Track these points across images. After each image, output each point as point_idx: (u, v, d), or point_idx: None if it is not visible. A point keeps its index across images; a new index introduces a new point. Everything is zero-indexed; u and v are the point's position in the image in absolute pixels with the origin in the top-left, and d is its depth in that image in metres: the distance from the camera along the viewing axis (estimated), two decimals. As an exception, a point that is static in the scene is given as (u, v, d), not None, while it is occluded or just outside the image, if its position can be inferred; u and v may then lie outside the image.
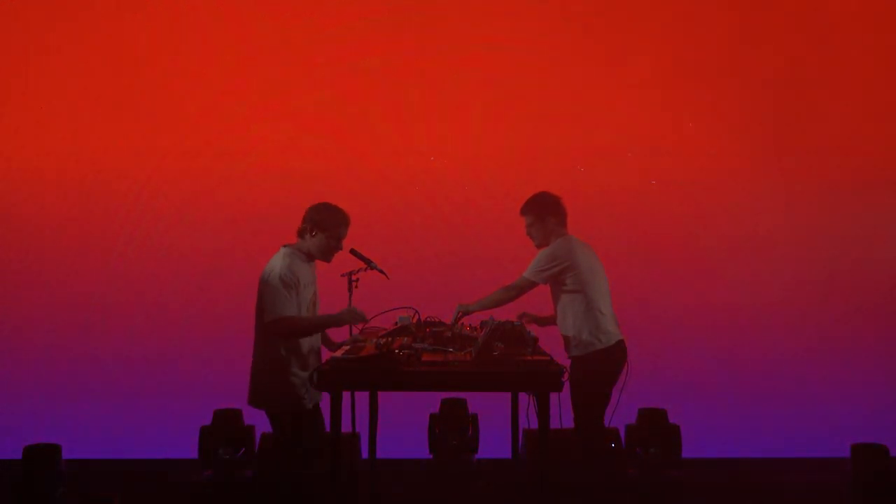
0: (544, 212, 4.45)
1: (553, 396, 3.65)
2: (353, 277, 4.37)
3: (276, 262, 3.83)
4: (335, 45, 6.05)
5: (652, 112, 6.07)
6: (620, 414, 4.54)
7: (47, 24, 6.05)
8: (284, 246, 3.96)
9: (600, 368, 4.35)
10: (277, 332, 3.76)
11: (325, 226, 3.89)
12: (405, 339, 4.08)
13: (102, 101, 6.03)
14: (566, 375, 3.67)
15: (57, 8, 6.07)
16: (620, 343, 4.41)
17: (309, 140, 6.05)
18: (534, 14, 6.10)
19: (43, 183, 6.00)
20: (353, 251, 4.32)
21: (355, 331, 4.27)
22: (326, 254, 3.94)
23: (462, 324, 4.37)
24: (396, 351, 3.73)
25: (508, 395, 4.90)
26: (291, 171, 5.95)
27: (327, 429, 3.81)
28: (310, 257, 3.95)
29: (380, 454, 5.02)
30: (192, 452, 5.26)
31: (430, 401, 5.51)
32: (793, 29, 6.12)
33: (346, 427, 3.89)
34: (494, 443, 5.47)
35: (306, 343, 3.89)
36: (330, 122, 6.07)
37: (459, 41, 6.06)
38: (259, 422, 5.22)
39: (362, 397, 4.86)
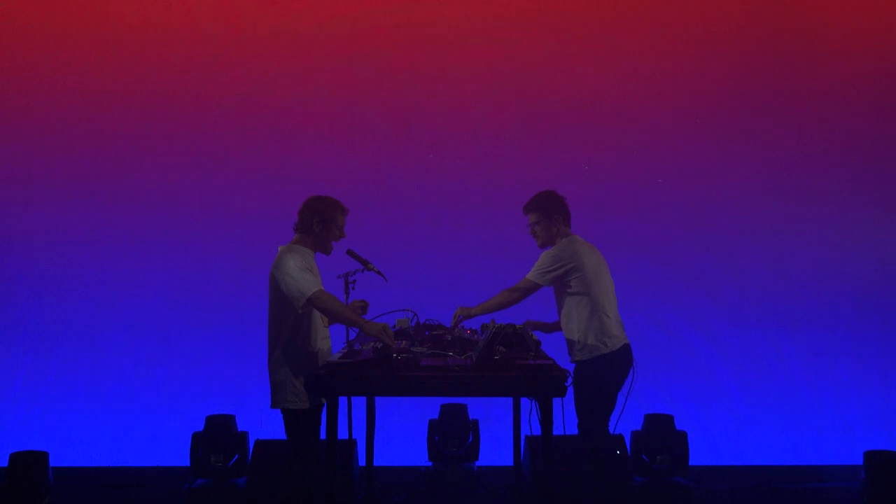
0: (550, 210, 4.36)
1: (556, 402, 3.57)
2: (350, 279, 4.34)
3: (285, 257, 3.83)
4: (333, 38, 5.94)
5: (657, 110, 5.96)
6: (626, 420, 4.46)
7: (36, 18, 5.92)
8: (283, 246, 3.93)
9: (605, 373, 4.26)
10: (317, 307, 3.79)
11: (327, 215, 3.93)
12: (403, 342, 3.99)
13: (94, 95, 5.89)
14: (570, 380, 3.57)
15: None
16: (626, 347, 4.31)
17: (305, 139, 5.92)
18: (537, 9, 6.00)
19: (30, 184, 5.88)
20: (350, 252, 4.29)
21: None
22: (328, 243, 3.98)
23: (462, 327, 4.27)
24: (394, 355, 3.61)
25: (510, 400, 4.86)
26: (286, 172, 5.83)
27: (322, 434, 3.75)
28: (315, 248, 3.97)
29: (377, 461, 5.00)
30: (184, 460, 5.14)
31: (430, 406, 5.42)
32: (799, 26, 6.03)
33: (342, 433, 3.85)
34: (496, 449, 5.42)
35: (318, 343, 3.91)
36: (328, 120, 5.95)
37: (461, 35, 5.95)
38: (253, 428, 5.13)
39: (359, 403, 4.79)
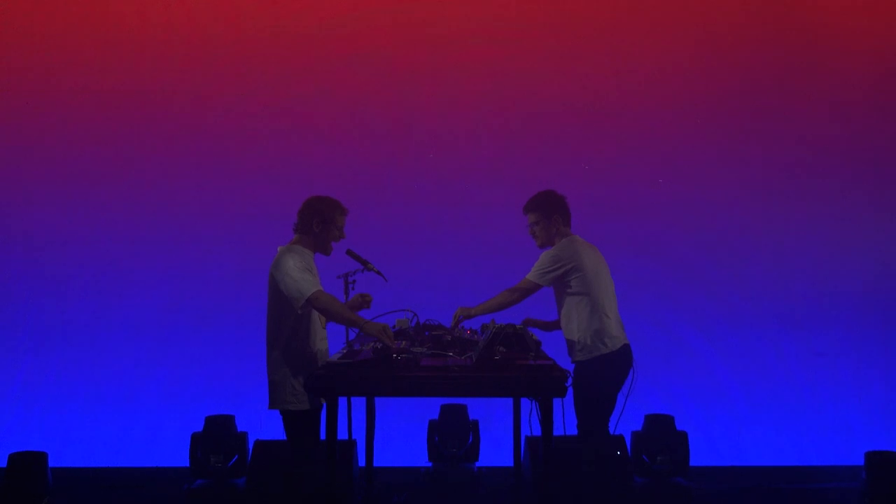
0: (550, 210, 4.34)
1: (556, 402, 3.57)
2: (350, 279, 4.33)
3: (284, 257, 3.81)
4: (333, 38, 5.93)
5: (657, 110, 5.95)
6: (626, 420, 4.44)
7: (36, 18, 5.91)
8: (282, 247, 3.91)
9: (605, 373, 4.24)
10: (316, 308, 3.77)
11: (327, 215, 3.90)
12: (403, 342, 3.98)
13: (94, 95, 5.88)
14: (570, 380, 3.57)
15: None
16: (626, 347, 4.30)
17: (305, 139, 5.91)
18: (537, 9, 5.98)
19: (30, 184, 5.86)
20: (349, 252, 4.28)
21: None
22: (327, 244, 3.95)
23: (462, 327, 4.26)
24: (394, 355, 3.60)
25: (510, 400, 4.86)
26: (286, 172, 5.82)
27: (322, 435, 3.74)
28: (314, 249, 3.94)
29: (377, 462, 4.98)
30: (184, 460, 5.14)
31: (430, 407, 5.41)
32: (799, 26, 6.02)
33: (342, 434, 3.82)
34: (496, 450, 5.41)
35: (316, 343, 3.89)
36: (328, 120, 5.94)
37: (461, 35, 5.93)
38: (253, 429, 5.12)
39: (359, 403, 4.78)
